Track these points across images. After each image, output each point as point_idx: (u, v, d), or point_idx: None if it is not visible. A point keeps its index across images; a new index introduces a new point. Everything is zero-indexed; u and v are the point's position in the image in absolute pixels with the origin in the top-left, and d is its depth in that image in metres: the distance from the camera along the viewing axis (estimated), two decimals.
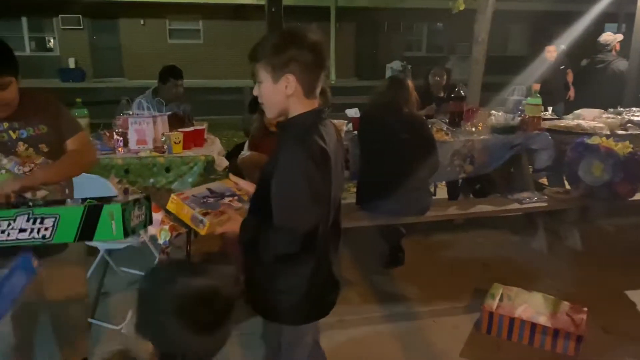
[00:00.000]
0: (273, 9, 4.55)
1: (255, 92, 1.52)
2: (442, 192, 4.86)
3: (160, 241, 2.95)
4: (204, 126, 3.86)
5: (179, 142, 3.43)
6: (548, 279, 3.42)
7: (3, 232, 1.55)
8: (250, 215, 1.56)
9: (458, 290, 3.30)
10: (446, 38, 21.59)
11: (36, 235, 1.55)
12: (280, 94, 1.46)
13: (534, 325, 2.69)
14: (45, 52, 19.13)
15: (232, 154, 3.93)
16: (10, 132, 1.89)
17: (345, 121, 4.10)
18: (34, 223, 1.55)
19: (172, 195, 1.65)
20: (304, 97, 1.48)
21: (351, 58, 20.80)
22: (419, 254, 3.76)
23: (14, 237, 1.55)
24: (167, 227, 3.01)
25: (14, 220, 1.55)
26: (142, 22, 19.20)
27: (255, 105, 4.89)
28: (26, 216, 1.56)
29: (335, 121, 3.97)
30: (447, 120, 4.16)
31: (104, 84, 17.26)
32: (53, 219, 1.55)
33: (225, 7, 18.61)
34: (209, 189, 1.74)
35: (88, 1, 17.19)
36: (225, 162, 3.71)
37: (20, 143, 1.91)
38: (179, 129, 3.58)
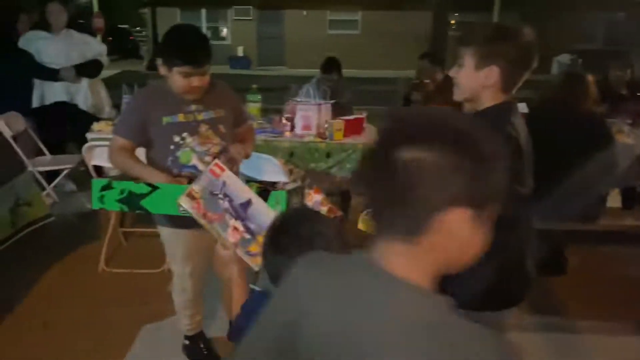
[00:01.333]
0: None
1: (452, 73, 1.57)
2: (614, 200, 4.40)
3: None
4: (364, 115, 3.97)
5: (340, 129, 3.58)
6: None
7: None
8: None
9: (627, 308, 2.99)
10: (628, 30, 19.23)
11: None
12: (477, 82, 1.50)
13: None
14: (219, 40, 21.02)
15: None
16: (196, 113, 2.12)
17: None
18: None
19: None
20: (500, 91, 1.50)
21: None
22: (584, 264, 3.47)
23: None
24: (325, 208, 3.18)
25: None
26: (304, 12, 20.11)
27: (408, 100, 4.92)
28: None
29: None
30: (630, 121, 3.75)
31: (266, 72, 18.48)
32: None
33: None
34: None
35: None
36: None
37: (203, 124, 2.13)
38: (341, 117, 3.73)
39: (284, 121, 3.66)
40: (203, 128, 2.13)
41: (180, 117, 2.08)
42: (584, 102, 2.95)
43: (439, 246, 0.73)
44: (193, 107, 2.11)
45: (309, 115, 3.61)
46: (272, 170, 2.95)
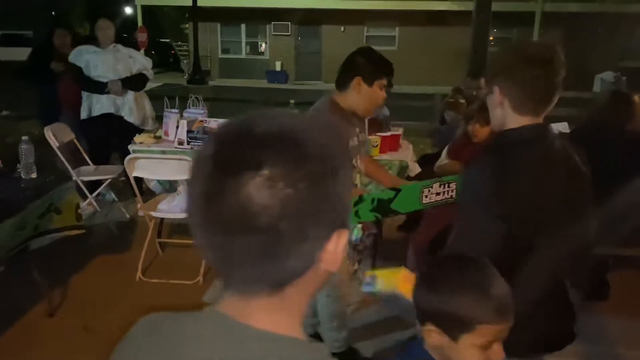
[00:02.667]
0: (481, 15, 4.44)
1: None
2: None
3: (353, 238, 3.11)
4: (400, 132, 3.96)
5: (377, 145, 3.57)
6: None
7: (426, 196, 2.16)
8: None
9: None
10: None
11: (447, 196, 2.17)
12: (492, 105, 1.48)
13: None
14: (257, 55, 21.38)
15: (421, 163, 3.96)
16: (360, 135, 2.42)
17: None
18: (444, 187, 2.17)
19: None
20: (516, 113, 1.42)
21: None
22: (628, 290, 3.33)
23: (432, 200, 2.17)
24: (360, 225, 3.17)
25: (432, 187, 2.17)
26: (342, 28, 20.27)
27: (443, 118, 4.86)
28: (438, 183, 2.17)
29: None
30: None
31: (303, 86, 18.67)
32: (454, 183, 2.16)
33: (421, 13, 18.66)
34: None
35: (297, 9, 18.75)
36: (418, 168, 3.76)
37: (362, 147, 2.50)
38: (377, 133, 3.73)
39: None
40: (362, 151, 2.47)
41: (355, 140, 2.35)
42: (630, 122, 2.87)
43: (310, 285, 0.64)
44: (357, 129, 2.38)
45: None
46: None
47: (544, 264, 1.40)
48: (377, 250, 3.77)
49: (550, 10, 17.93)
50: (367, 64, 2.30)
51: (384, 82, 2.28)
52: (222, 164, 0.57)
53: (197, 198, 0.59)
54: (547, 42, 1.47)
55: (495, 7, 16.25)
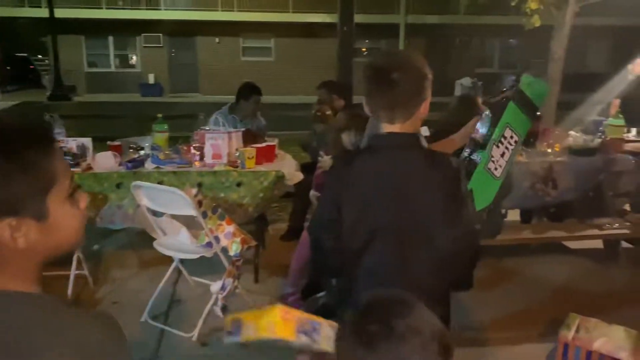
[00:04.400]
0: (345, 28, 4.62)
1: None
2: (514, 215, 4.69)
3: (231, 253, 3.05)
4: (275, 142, 3.97)
5: (252, 157, 3.54)
6: (628, 312, 3.20)
7: (495, 169, 2.06)
8: None
9: (531, 318, 3.17)
10: (519, 54, 20.96)
11: (510, 146, 2.09)
12: None
13: None
14: (128, 68, 20.38)
15: (302, 171, 3.99)
16: None
17: None
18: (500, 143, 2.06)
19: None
20: (374, 119, 1.59)
21: None
22: (489, 278, 3.64)
23: (501, 164, 2.07)
24: (238, 239, 3.11)
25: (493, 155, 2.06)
26: (217, 40, 20.05)
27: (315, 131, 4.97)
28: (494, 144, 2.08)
29: None
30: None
31: (179, 99, 18.13)
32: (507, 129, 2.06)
33: (296, 25, 19.10)
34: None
35: (168, 20, 18.22)
36: (300, 176, 3.76)
37: None
38: (252, 145, 3.70)
39: (192, 151, 3.57)
40: None
41: None
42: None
43: None
44: None
45: (218, 144, 3.55)
46: (178, 203, 2.84)
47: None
48: (258, 263, 3.75)
49: (413, 22, 19.26)
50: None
51: None
52: None
53: None
54: (395, 55, 1.57)
55: (362, 19, 17.13)
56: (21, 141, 0.75)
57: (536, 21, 7.56)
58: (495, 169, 2.08)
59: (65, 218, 0.81)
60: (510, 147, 2.05)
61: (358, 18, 15.45)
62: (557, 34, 7.53)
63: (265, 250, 4.22)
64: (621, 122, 3.87)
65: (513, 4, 7.65)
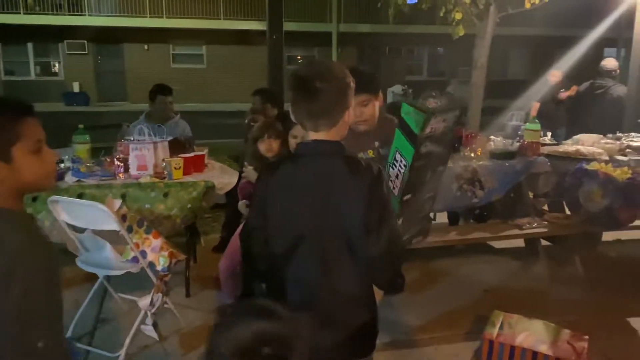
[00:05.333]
0: (274, 36, 4.61)
1: None
2: (442, 217, 4.85)
3: (159, 267, 2.94)
4: (205, 151, 3.88)
5: (179, 167, 3.44)
6: (548, 305, 3.39)
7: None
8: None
9: (458, 317, 3.28)
10: (447, 62, 21.82)
11: None
12: None
13: (535, 354, 2.64)
14: (50, 76, 19.38)
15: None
16: (380, 149, 2.26)
17: None
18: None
19: None
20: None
21: None
22: (419, 280, 3.74)
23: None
24: (166, 253, 3.00)
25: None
26: (146, 47, 19.49)
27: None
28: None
29: None
30: None
31: (107, 108, 17.45)
32: None
33: (228, 32, 18.90)
34: None
35: (93, 27, 17.49)
36: (229, 186, 3.65)
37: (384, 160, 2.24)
38: (180, 155, 3.60)
39: (116, 162, 3.42)
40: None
41: (370, 153, 2.23)
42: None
43: None
44: (376, 143, 2.25)
45: (143, 155, 3.43)
46: (100, 218, 2.71)
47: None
48: (189, 276, 3.64)
49: (345, 31, 19.60)
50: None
51: (363, 98, 2.21)
52: None
53: None
54: (318, 65, 1.60)
55: (294, 27, 17.25)
56: None
57: (460, 31, 7.86)
58: (393, 187, 2.15)
59: (28, 165, 1.19)
60: (402, 170, 2.10)
61: (291, 26, 15.54)
62: (480, 43, 7.87)
63: (197, 263, 4.12)
64: (537, 126, 4.10)
65: (441, 14, 7.93)
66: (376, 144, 2.31)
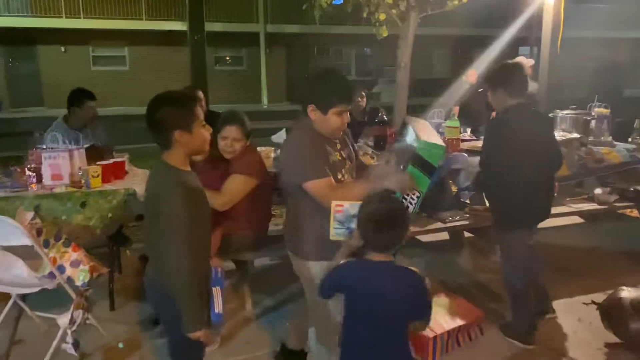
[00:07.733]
0: (195, 37, 4.51)
1: None
2: None
3: (78, 283, 2.79)
4: (125, 158, 3.73)
5: (98, 175, 3.28)
6: (471, 295, 3.54)
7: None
8: None
9: None
10: (374, 62, 22.28)
11: None
12: None
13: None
14: None
15: None
16: (341, 151, 2.32)
17: (273, 148, 4.05)
18: None
19: None
20: None
21: (282, 82, 20.95)
22: None
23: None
24: (86, 267, 2.85)
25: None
26: (63, 49, 18.49)
27: None
28: None
29: (263, 149, 3.93)
30: (372, 144, 4.25)
31: (22, 114, 16.37)
32: None
33: (151, 33, 18.29)
34: None
35: (1, 27, 16.34)
36: None
37: (348, 160, 2.35)
38: (98, 162, 3.43)
39: (27, 172, 3.20)
40: (347, 164, 2.33)
41: (337, 156, 2.26)
42: None
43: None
44: (338, 145, 2.31)
45: (58, 164, 3.23)
46: (10, 233, 2.53)
47: None
48: (114, 288, 3.49)
49: (273, 31, 19.52)
50: (320, 92, 2.24)
51: (342, 108, 2.21)
52: None
53: None
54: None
55: (221, 27, 16.98)
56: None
57: (384, 32, 8.06)
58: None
59: (199, 135, 1.91)
60: (413, 202, 2.26)
61: (217, 27, 15.22)
62: (403, 44, 8.09)
63: (122, 273, 3.96)
64: (456, 123, 4.26)
65: (365, 15, 8.07)
66: (338, 145, 2.32)
